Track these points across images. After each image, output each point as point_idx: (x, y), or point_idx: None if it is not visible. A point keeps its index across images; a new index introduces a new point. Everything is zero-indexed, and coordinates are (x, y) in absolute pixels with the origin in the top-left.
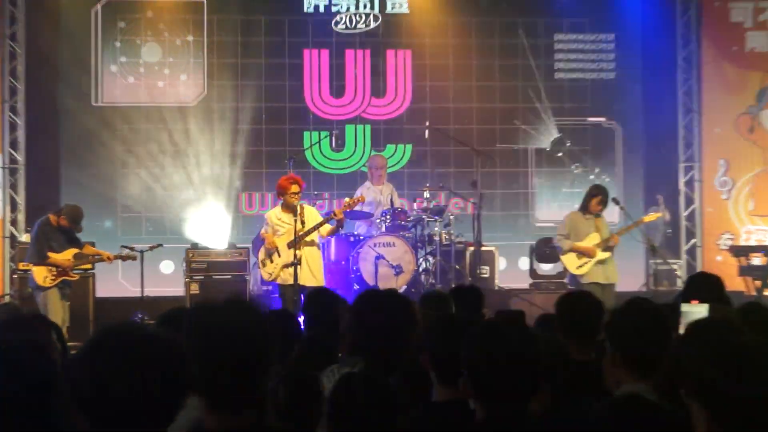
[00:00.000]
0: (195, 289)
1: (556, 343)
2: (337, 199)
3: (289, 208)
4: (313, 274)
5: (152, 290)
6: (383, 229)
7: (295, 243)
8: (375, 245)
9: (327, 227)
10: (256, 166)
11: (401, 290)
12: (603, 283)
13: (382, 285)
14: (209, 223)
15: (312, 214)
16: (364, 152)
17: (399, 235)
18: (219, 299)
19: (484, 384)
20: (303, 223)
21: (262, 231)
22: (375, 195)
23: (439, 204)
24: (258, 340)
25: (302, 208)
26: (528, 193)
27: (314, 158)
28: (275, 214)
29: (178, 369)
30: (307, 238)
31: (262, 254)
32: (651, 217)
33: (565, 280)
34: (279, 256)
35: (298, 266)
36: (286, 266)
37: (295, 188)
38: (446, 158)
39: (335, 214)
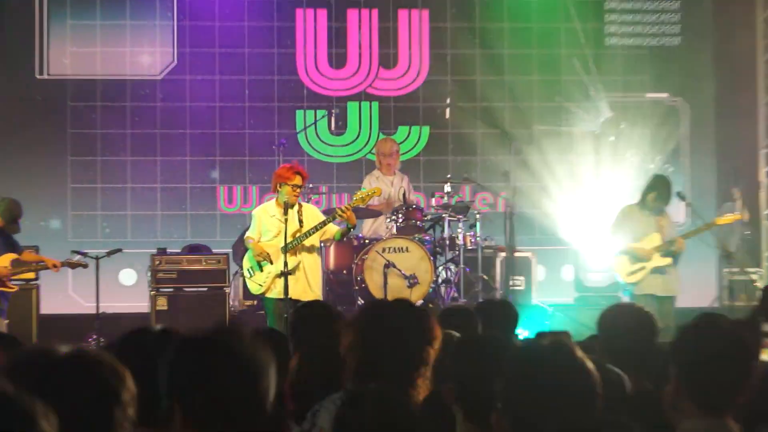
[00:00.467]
0: (162, 304)
1: (608, 370)
2: (337, 193)
3: (285, 205)
4: (310, 286)
5: (110, 305)
6: (394, 230)
7: (286, 247)
8: (384, 250)
9: (333, 228)
10: (237, 152)
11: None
12: (661, 296)
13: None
14: (180, 223)
15: (312, 214)
16: (370, 136)
17: (413, 238)
18: (209, 329)
19: (523, 421)
20: (301, 222)
21: (247, 235)
22: (384, 188)
23: (463, 200)
24: (256, 376)
25: (300, 206)
26: (573, 185)
27: (309, 143)
28: (266, 212)
29: (109, 401)
30: (306, 242)
31: (248, 261)
32: (726, 219)
33: (620, 294)
34: (271, 263)
35: (291, 276)
36: (281, 276)
37: (297, 180)
38: (472, 143)
39: (343, 212)
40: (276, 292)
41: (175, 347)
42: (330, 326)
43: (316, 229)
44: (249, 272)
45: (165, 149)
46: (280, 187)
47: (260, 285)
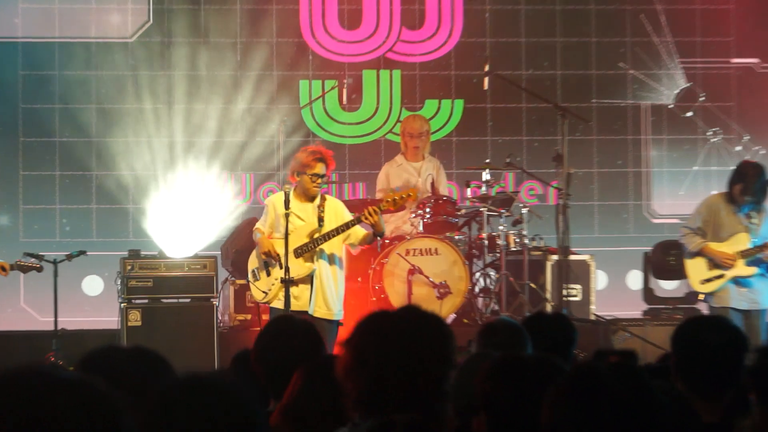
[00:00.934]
0: (135, 318)
1: (683, 399)
2: (349, 182)
3: (306, 196)
4: (327, 302)
5: (71, 320)
6: (420, 227)
7: (286, 249)
8: (408, 253)
9: (359, 231)
10: (228, 132)
11: (447, 321)
12: (745, 310)
13: None
14: (158, 219)
15: (336, 212)
16: (390, 112)
17: (445, 238)
18: (203, 376)
19: None
20: (321, 221)
21: (256, 226)
22: (409, 176)
23: (505, 190)
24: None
25: (324, 200)
26: (641, 173)
27: (315, 120)
28: (281, 202)
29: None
30: (325, 247)
31: (254, 262)
32: None
33: (698, 304)
34: (281, 267)
35: (299, 285)
36: (290, 283)
37: (318, 169)
38: (515, 120)
39: (370, 215)
40: (280, 301)
41: None
42: (314, 344)
43: (338, 231)
44: (254, 274)
45: (139, 129)
46: (298, 175)
47: (264, 292)
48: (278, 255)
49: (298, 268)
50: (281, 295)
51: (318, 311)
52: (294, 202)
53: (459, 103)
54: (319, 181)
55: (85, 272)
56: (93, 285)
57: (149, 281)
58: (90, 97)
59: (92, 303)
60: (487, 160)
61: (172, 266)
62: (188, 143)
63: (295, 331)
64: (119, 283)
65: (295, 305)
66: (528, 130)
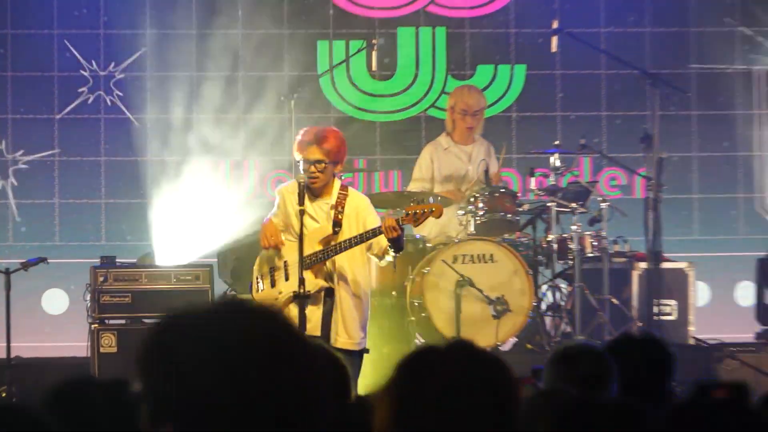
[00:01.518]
0: (109, 343)
1: None
2: (381, 170)
3: (316, 192)
4: (346, 327)
5: (27, 346)
6: (471, 228)
7: (293, 257)
8: (455, 260)
9: (383, 242)
10: (227, 107)
11: (506, 346)
12: None
13: (471, 337)
14: (139, 218)
15: (358, 212)
16: (433, 80)
17: (502, 241)
18: None
19: None
20: (338, 224)
21: (269, 218)
22: (457, 163)
23: (580, 180)
24: None
25: (344, 195)
26: (753, 158)
27: (336, 92)
28: (292, 195)
29: None
30: (344, 258)
31: (258, 269)
32: None
33: None
34: (287, 279)
35: (312, 304)
36: (301, 297)
37: (312, 153)
38: (592, 91)
39: (392, 230)
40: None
41: None
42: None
43: (358, 240)
44: (257, 283)
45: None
46: (299, 165)
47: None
48: (281, 240)
49: (306, 282)
50: (286, 312)
51: (337, 340)
52: (307, 198)
53: (520, 70)
54: (313, 169)
55: (45, 285)
56: (56, 301)
57: (127, 296)
58: (51, 63)
59: (55, 323)
60: (557, 142)
61: (156, 277)
62: (175, 121)
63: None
64: (89, 298)
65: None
66: (608, 104)
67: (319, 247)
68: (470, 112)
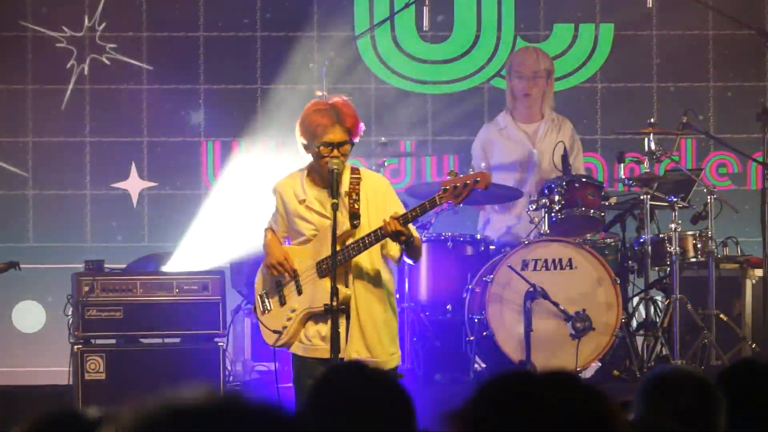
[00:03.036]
0: (96, 368)
1: None
2: (434, 154)
3: (325, 180)
4: (366, 342)
5: None
6: (545, 227)
7: (304, 263)
8: (525, 266)
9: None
10: (237, 78)
11: (588, 372)
12: None
13: (545, 361)
14: (133, 213)
15: (377, 196)
16: (498, 43)
17: (584, 243)
18: None
19: None
20: (355, 217)
21: (267, 227)
22: (516, 146)
23: (680, 167)
24: None
25: (358, 180)
26: None
27: (378, 57)
28: (292, 189)
29: None
30: (363, 259)
31: (261, 284)
32: None
33: None
34: (299, 293)
35: (323, 322)
36: (327, 313)
37: (334, 134)
38: (697, 57)
39: (389, 224)
40: (306, 345)
41: None
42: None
43: (377, 236)
44: (262, 303)
45: (95, 76)
46: (307, 149)
47: (277, 332)
48: (290, 266)
49: (326, 293)
50: (305, 332)
51: (357, 355)
52: (310, 190)
53: (607, 30)
54: (336, 154)
55: (16, 296)
56: (29, 316)
57: (118, 311)
58: (22, 37)
59: (28, 343)
60: (652, 120)
61: (154, 287)
62: (179, 92)
63: (372, 394)
64: (71, 313)
65: (321, 350)
66: (717, 73)
67: (336, 248)
68: (526, 73)
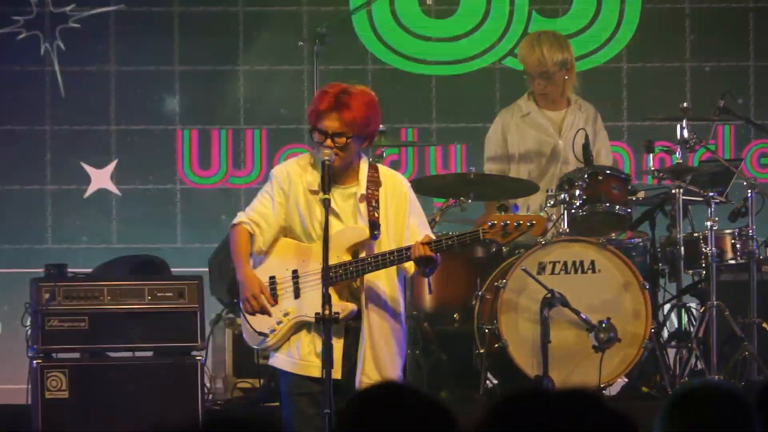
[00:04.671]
0: (58, 386)
1: None
2: (438, 144)
3: (335, 174)
4: (376, 359)
5: None
6: (564, 224)
7: (305, 267)
8: (542, 269)
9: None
10: (216, 58)
11: (613, 388)
12: None
13: (564, 377)
14: (99, 210)
15: (399, 203)
16: (511, 18)
17: (608, 243)
18: None
19: None
20: (376, 225)
21: (240, 218)
22: (541, 136)
23: (717, 156)
24: None
25: (376, 177)
26: None
27: (375, 34)
28: (300, 178)
29: None
30: (381, 274)
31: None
32: None
33: None
34: (296, 295)
35: (340, 330)
36: (320, 324)
37: (331, 123)
38: (735, 32)
39: (420, 254)
40: (296, 361)
41: None
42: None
43: (401, 257)
44: (246, 307)
45: (67, 54)
46: (311, 134)
47: (263, 334)
48: (266, 293)
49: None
50: (296, 341)
51: (363, 381)
52: (317, 179)
53: (634, 2)
54: (329, 144)
55: None
56: None
57: (82, 321)
58: None
59: None
60: (685, 104)
61: (123, 294)
62: (153, 74)
63: (413, 414)
64: (29, 323)
65: (315, 368)
66: (759, 50)
67: (347, 257)
68: (534, 74)
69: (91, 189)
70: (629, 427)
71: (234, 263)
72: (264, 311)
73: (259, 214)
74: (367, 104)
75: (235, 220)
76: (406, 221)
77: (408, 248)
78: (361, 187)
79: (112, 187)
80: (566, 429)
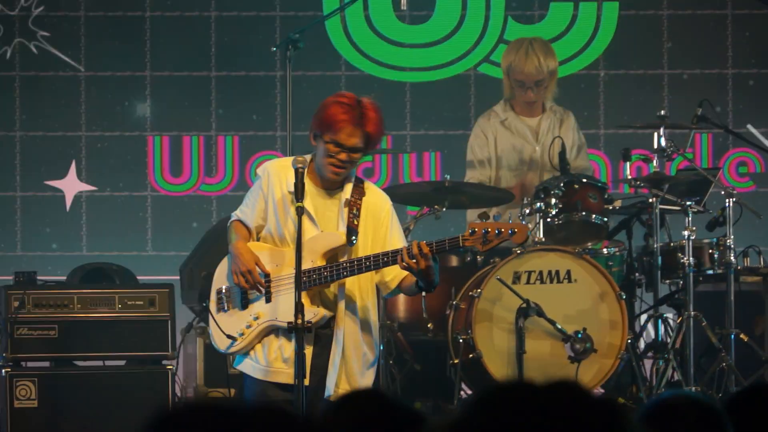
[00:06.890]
0: (27, 395)
1: None
2: (412, 152)
3: (324, 180)
4: (348, 373)
5: None
6: (540, 233)
7: (281, 270)
8: (518, 278)
9: (400, 273)
10: (188, 64)
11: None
12: None
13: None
14: (65, 219)
15: (376, 218)
16: (487, 24)
17: (584, 252)
18: None
19: None
20: (353, 232)
21: (235, 215)
22: (518, 142)
23: (695, 165)
24: None
25: (360, 192)
26: None
27: (349, 39)
28: (286, 178)
29: None
30: (355, 283)
31: (224, 277)
32: None
33: None
34: (268, 300)
35: (310, 337)
36: (291, 332)
37: (347, 133)
38: (712, 39)
39: (411, 258)
40: (264, 367)
41: None
42: None
43: (378, 262)
44: (219, 300)
45: (25, 60)
46: (315, 140)
47: (231, 337)
48: (267, 275)
49: (306, 310)
50: (266, 347)
51: (337, 390)
52: (310, 185)
53: (611, 9)
54: (343, 157)
55: None
56: None
57: (52, 329)
58: None
59: None
60: (662, 112)
61: (93, 302)
62: (124, 80)
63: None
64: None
65: (283, 374)
66: (737, 58)
67: (322, 262)
68: (528, 83)
69: (61, 195)
70: (617, 413)
71: (228, 243)
72: (258, 287)
73: (244, 213)
74: (382, 120)
75: (235, 214)
76: (388, 234)
77: (386, 254)
78: (347, 193)
79: (82, 194)
80: (554, 417)
